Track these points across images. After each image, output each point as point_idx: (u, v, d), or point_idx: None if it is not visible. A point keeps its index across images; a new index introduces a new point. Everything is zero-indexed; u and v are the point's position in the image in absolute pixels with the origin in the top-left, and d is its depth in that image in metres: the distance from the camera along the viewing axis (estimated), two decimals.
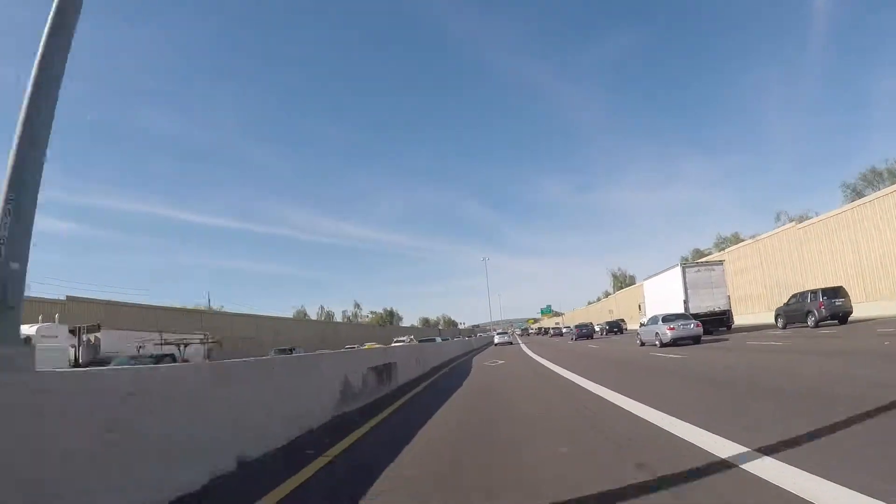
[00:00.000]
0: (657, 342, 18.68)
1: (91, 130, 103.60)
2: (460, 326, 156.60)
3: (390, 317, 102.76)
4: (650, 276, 30.87)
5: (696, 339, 18.10)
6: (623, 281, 79.51)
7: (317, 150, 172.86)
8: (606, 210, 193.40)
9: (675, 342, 17.73)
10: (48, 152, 3.41)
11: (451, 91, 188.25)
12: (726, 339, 19.24)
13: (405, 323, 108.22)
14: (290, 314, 72.91)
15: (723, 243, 54.26)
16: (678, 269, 26.21)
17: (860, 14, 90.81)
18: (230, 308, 51.79)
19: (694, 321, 19.03)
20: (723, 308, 25.85)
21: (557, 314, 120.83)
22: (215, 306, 53.06)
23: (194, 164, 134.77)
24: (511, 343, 49.03)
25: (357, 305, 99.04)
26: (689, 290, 25.72)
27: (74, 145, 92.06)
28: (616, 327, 45.36)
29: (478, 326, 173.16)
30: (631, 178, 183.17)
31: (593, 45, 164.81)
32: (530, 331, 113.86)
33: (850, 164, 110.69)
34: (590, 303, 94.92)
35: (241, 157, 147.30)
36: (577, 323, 55.25)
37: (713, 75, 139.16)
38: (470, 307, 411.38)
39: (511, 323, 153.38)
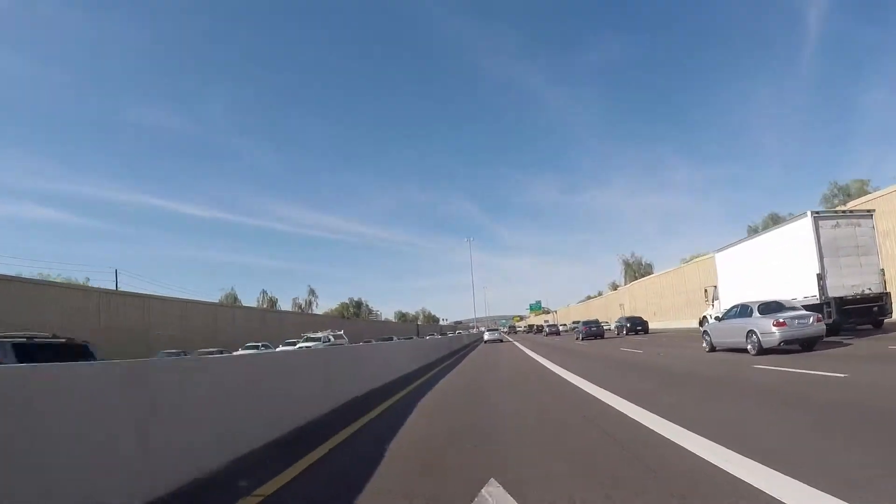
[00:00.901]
0: (749, 346, 11.89)
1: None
2: (441, 322, 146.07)
3: (357, 308, 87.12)
4: (732, 244, 19.73)
5: (809, 344, 11.66)
6: (638, 270, 66.69)
7: (304, 146, 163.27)
8: (596, 210, 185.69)
9: (781, 347, 11.42)
10: None
11: (443, 91, 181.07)
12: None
13: (381, 316, 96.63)
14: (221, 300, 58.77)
15: (835, 196, 35.67)
16: (807, 221, 15.14)
17: (850, 27, 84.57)
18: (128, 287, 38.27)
19: (813, 314, 11.94)
20: (876, 290, 15.12)
21: (546, 311, 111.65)
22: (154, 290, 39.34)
23: (179, 156, 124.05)
24: (501, 341, 42.03)
25: (312, 292, 78.68)
26: (824, 259, 14.85)
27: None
28: (639, 325, 35.02)
29: (461, 323, 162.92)
30: (620, 181, 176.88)
31: (585, 51, 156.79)
32: (517, 328, 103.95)
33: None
34: (589, 297, 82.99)
35: (229, 151, 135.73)
36: (576, 319, 47.62)
37: (704, 83, 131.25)
38: (455, 304, 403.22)
39: (495, 321, 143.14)
